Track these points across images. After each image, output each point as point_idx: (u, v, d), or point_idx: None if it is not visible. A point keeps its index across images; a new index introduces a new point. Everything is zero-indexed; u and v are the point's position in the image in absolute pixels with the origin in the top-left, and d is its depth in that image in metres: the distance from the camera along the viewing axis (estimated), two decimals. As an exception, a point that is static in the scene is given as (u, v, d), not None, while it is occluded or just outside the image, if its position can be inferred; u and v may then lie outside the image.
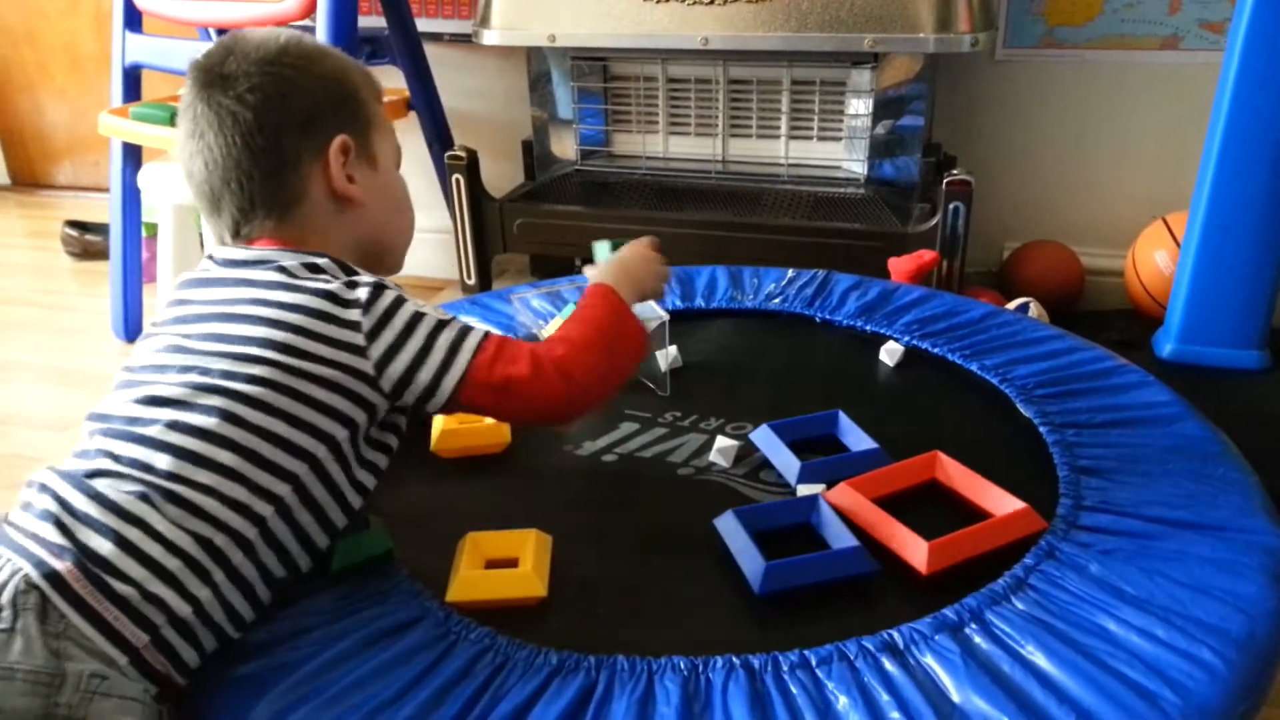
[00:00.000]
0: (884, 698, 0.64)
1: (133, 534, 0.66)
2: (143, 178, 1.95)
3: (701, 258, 1.53)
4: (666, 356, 1.11)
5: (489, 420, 0.97)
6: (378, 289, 0.77)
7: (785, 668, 0.67)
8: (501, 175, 2.07)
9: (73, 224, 2.61)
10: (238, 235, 0.81)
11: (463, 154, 1.82)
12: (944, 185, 1.56)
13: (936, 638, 0.69)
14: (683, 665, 0.67)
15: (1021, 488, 0.83)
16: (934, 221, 1.59)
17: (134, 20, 1.92)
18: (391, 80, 2.03)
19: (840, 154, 1.86)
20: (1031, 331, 1.16)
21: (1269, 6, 1.37)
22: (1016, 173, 1.97)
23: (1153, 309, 1.73)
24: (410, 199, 0.91)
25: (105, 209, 2.11)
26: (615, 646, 0.69)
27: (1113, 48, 1.83)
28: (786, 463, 0.91)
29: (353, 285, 0.77)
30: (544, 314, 1.17)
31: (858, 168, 1.83)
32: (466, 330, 0.80)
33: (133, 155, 2.00)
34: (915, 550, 0.77)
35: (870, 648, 0.68)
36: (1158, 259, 1.72)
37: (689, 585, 0.78)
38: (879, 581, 0.76)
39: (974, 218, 1.57)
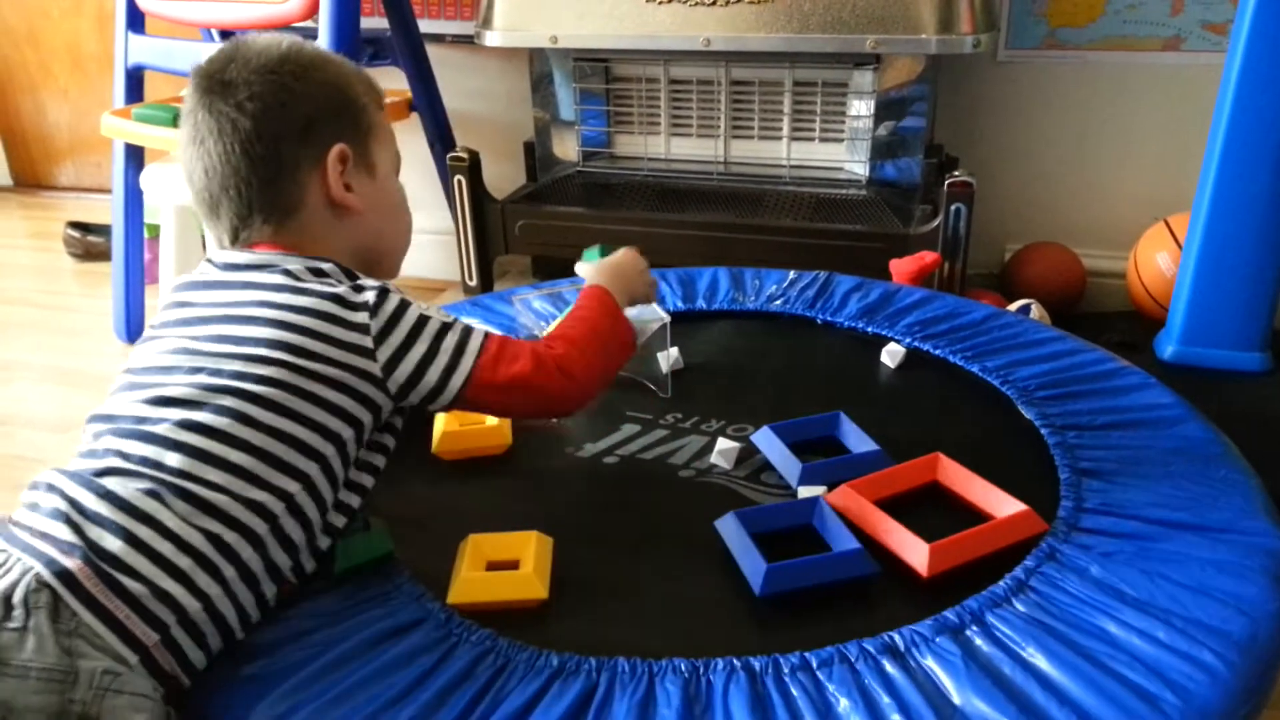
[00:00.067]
0: (885, 700, 0.64)
1: (143, 532, 0.67)
2: (145, 179, 1.95)
3: (703, 259, 1.53)
4: (668, 358, 1.11)
5: (490, 422, 0.98)
6: (383, 293, 0.79)
7: (786, 670, 0.67)
8: (503, 176, 2.08)
9: (75, 225, 2.61)
10: (236, 240, 0.82)
11: (465, 155, 1.82)
12: (946, 187, 1.56)
13: (937, 640, 0.69)
14: (683, 667, 0.67)
15: (1023, 490, 0.83)
16: (935, 223, 1.59)
17: (136, 21, 1.92)
18: (394, 81, 2.04)
19: (842, 155, 1.86)
20: (1033, 333, 1.16)
21: (1271, 8, 1.37)
22: (1018, 174, 1.97)
23: (1154, 311, 1.73)
24: (408, 207, 0.93)
25: (107, 210, 2.11)
26: (616, 648, 0.69)
27: (1115, 49, 1.83)
28: (787, 464, 0.91)
29: (359, 289, 0.79)
30: (545, 315, 1.17)
31: (859, 169, 1.83)
32: (469, 331, 0.82)
33: (135, 156, 2.00)
34: (916, 552, 0.77)
35: (871, 650, 0.68)
36: (1159, 261, 1.72)
37: (690, 587, 0.78)
38: (880, 583, 0.76)
39: (975, 219, 1.57)
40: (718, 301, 1.30)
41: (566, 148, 2.00)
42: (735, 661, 0.68)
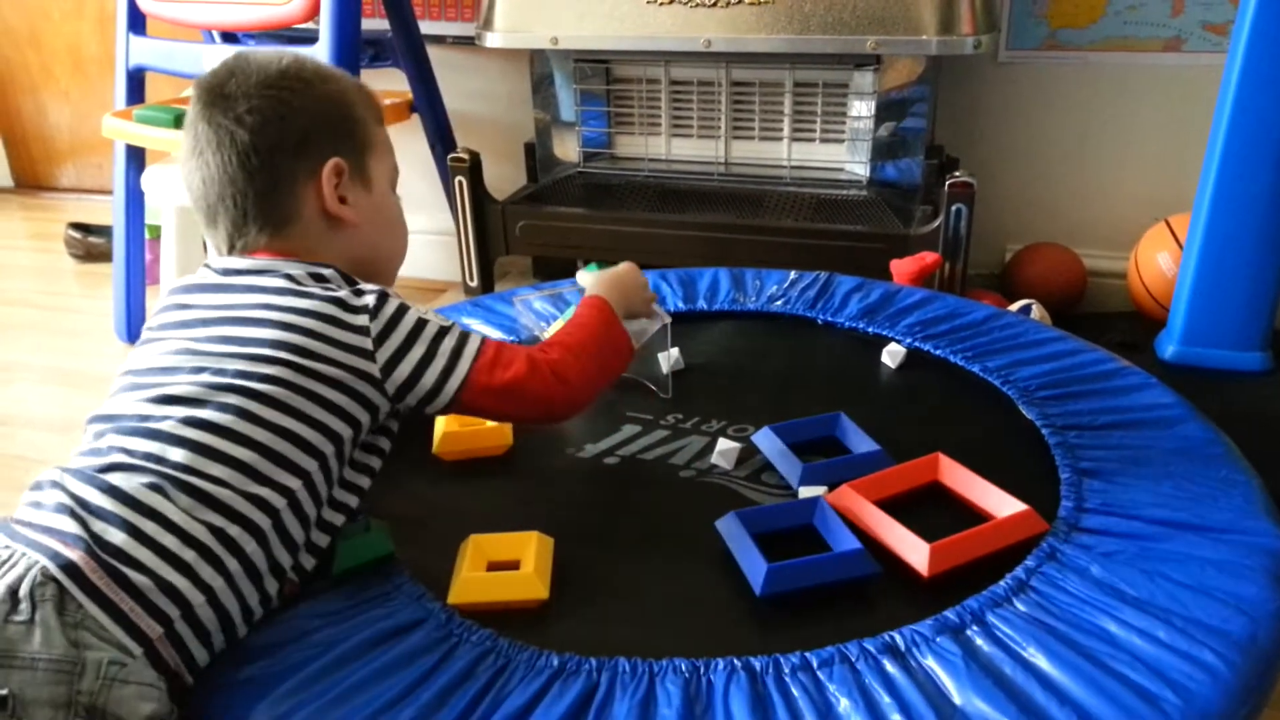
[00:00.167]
0: (885, 700, 0.64)
1: (147, 525, 0.67)
2: (146, 180, 1.96)
3: (704, 260, 1.54)
4: (668, 359, 1.11)
5: (490, 422, 0.98)
6: (383, 296, 0.81)
7: (787, 670, 0.67)
8: (504, 177, 2.08)
9: (76, 226, 2.62)
10: (233, 249, 0.84)
11: (465, 156, 1.82)
12: (946, 187, 1.56)
13: (938, 640, 0.69)
14: (684, 667, 0.67)
15: (1023, 490, 0.83)
16: (936, 223, 1.59)
17: (137, 22, 1.93)
18: (394, 83, 2.04)
19: (843, 156, 1.86)
20: (1034, 333, 1.16)
21: (1272, 8, 1.37)
22: (1019, 175, 1.97)
23: (1155, 311, 1.73)
24: (404, 220, 0.94)
25: (108, 211, 2.11)
26: (617, 648, 0.69)
27: (1115, 50, 1.83)
28: (788, 465, 0.91)
29: (359, 293, 0.81)
30: (546, 316, 1.17)
31: (860, 170, 1.83)
32: (467, 336, 0.83)
33: (136, 157, 2.00)
34: (917, 552, 0.77)
35: (872, 650, 0.68)
36: (1160, 261, 1.72)
37: (690, 587, 0.78)
38: (880, 583, 0.76)
39: (976, 220, 1.57)
40: (718, 302, 1.30)
41: (567, 149, 2.00)
42: (736, 661, 0.68)
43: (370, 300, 0.80)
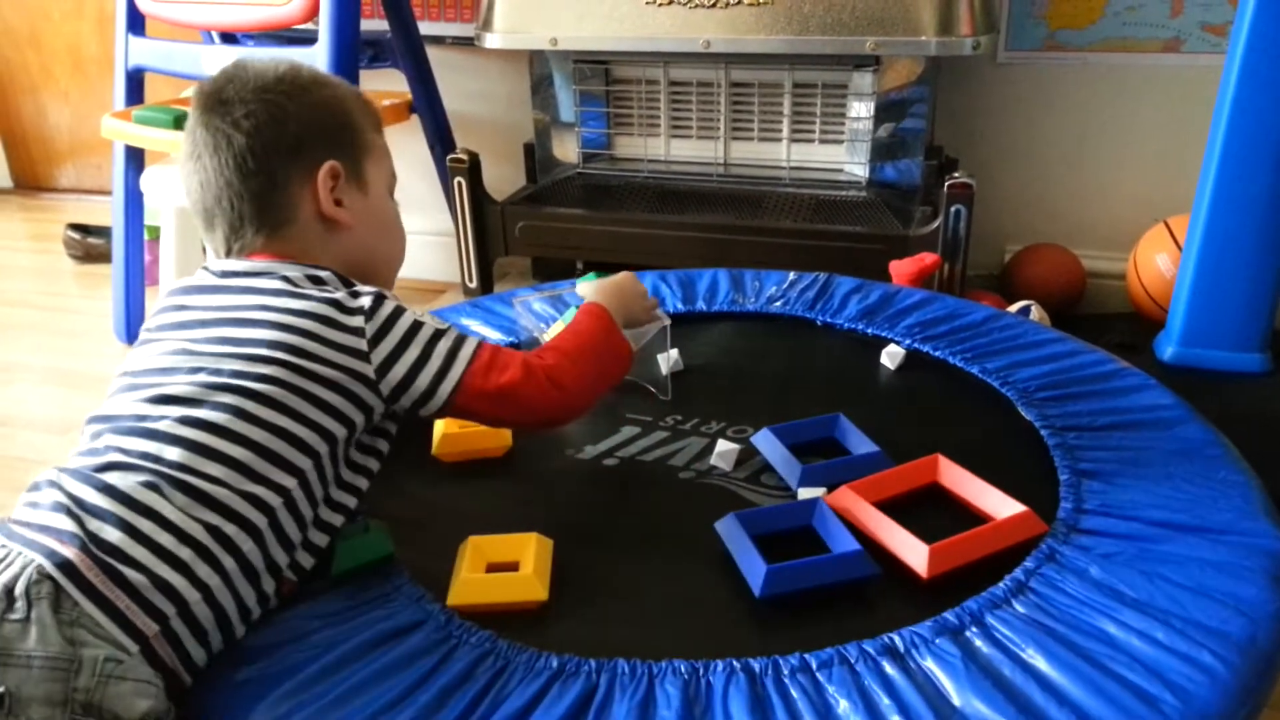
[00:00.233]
0: (884, 701, 0.64)
1: (143, 524, 0.68)
2: (145, 181, 1.96)
3: (703, 260, 1.54)
4: (668, 360, 1.11)
5: (490, 424, 0.98)
6: (379, 298, 0.81)
7: (786, 671, 0.67)
8: (503, 178, 2.08)
9: (75, 227, 2.62)
10: (230, 252, 0.85)
11: (464, 157, 1.82)
12: (945, 188, 1.56)
13: (937, 641, 0.69)
14: (683, 669, 0.67)
15: (1022, 491, 0.83)
16: (935, 224, 1.59)
17: (137, 23, 1.93)
18: (394, 83, 2.04)
19: (842, 157, 1.86)
20: (1033, 334, 1.16)
21: (1271, 9, 1.38)
22: (1018, 175, 1.97)
23: (1154, 312, 1.73)
24: (401, 225, 0.95)
25: (107, 212, 2.11)
26: (616, 650, 0.69)
27: (1114, 50, 1.83)
28: (787, 466, 0.91)
29: (355, 295, 0.81)
30: (546, 317, 1.17)
31: (859, 171, 1.83)
32: (462, 339, 0.83)
33: (135, 158, 2.00)
34: (916, 553, 0.77)
35: (871, 651, 0.68)
36: (1159, 262, 1.72)
37: (690, 588, 0.78)
38: (879, 585, 0.76)
39: (975, 220, 1.57)
40: (718, 303, 1.30)
41: (566, 149, 2.00)
42: (735, 663, 0.68)
43: (366, 302, 0.80)
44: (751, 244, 1.71)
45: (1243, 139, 1.44)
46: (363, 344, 0.78)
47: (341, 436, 0.79)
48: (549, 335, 1.09)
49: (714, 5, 1.65)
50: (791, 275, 1.35)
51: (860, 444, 0.93)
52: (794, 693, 0.65)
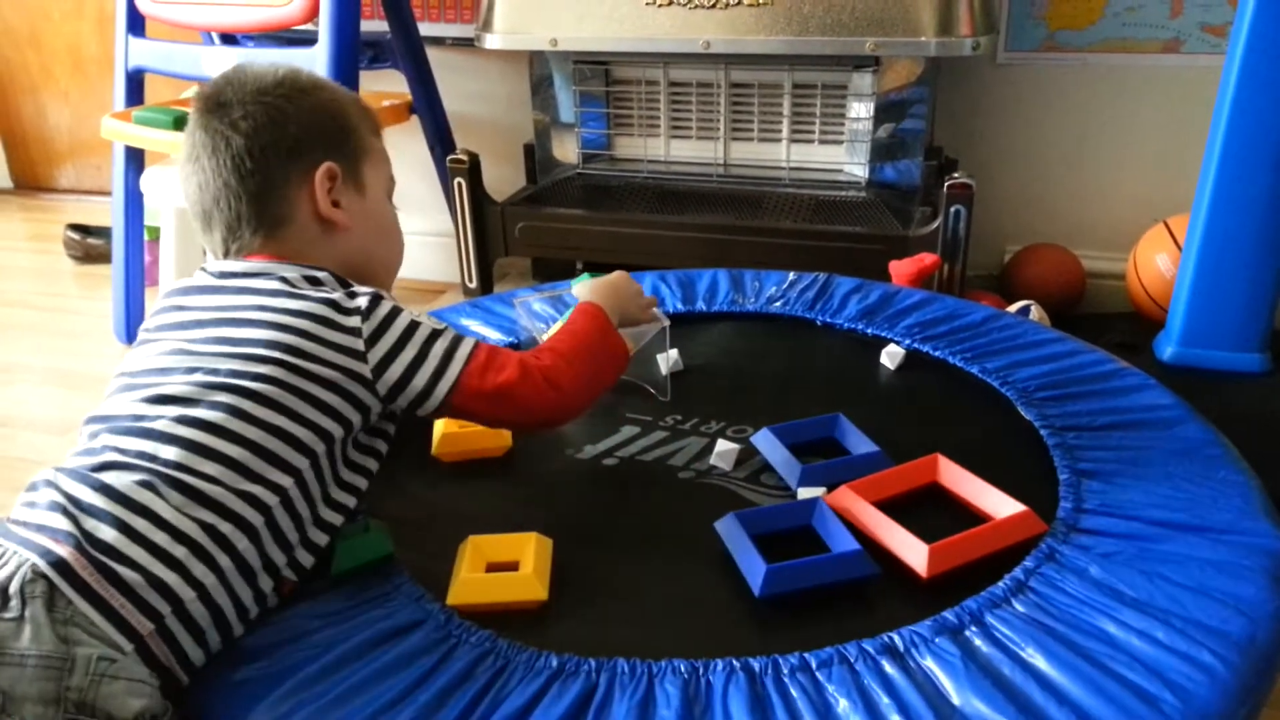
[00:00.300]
0: (884, 700, 0.64)
1: (138, 522, 0.68)
2: (145, 181, 1.96)
3: (703, 261, 1.54)
4: (667, 360, 1.11)
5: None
6: (376, 298, 0.81)
7: (785, 670, 0.67)
8: (503, 179, 2.08)
9: (75, 227, 2.62)
10: (227, 253, 0.86)
11: (464, 157, 1.82)
12: (945, 188, 1.56)
13: (936, 640, 0.69)
14: (683, 668, 0.67)
15: (1022, 490, 0.83)
16: (935, 225, 1.59)
17: (137, 24, 1.93)
18: (394, 84, 2.04)
19: (841, 157, 1.86)
20: (1032, 334, 1.16)
21: (1271, 10, 1.38)
22: (1018, 176, 1.97)
23: (1154, 312, 1.73)
24: (399, 228, 0.95)
25: (107, 212, 2.11)
26: (616, 649, 0.69)
27: (1114, 51, 1.83)
28: (787, 466, 0.91)
29: (352, 295, 0.81)
30: (546, 317, 1.17)
31: (859, 171, 1.83)
32: (459, 339, 0.84)
33: (135, 159, 2.00)
34: (915, 553, 0.77)
35: (870, 650, 0.68)
36: (1159, 262, 1.72)
37: (689, 588, 0.78)
38: (879, 584, 0.76)
39: (975, 221, 1.57)
40: (717, 303, 1.30)
41: (566, 150, 2.00)
42: (735, 662, 0.68)
43: (363, 302, 0.80)
44: (751, 244, 1.71)
45: (1242, 139, 1.44)
46: (359, 344, 0.79)
47: (339, 436, 0.79)
48: (548, 336, 1.09)
49: (714, 6, 1.65)
50: (791, 275, 1.35)
51: (860, 444, 0.93)
52: (794, 692, 0.65)
